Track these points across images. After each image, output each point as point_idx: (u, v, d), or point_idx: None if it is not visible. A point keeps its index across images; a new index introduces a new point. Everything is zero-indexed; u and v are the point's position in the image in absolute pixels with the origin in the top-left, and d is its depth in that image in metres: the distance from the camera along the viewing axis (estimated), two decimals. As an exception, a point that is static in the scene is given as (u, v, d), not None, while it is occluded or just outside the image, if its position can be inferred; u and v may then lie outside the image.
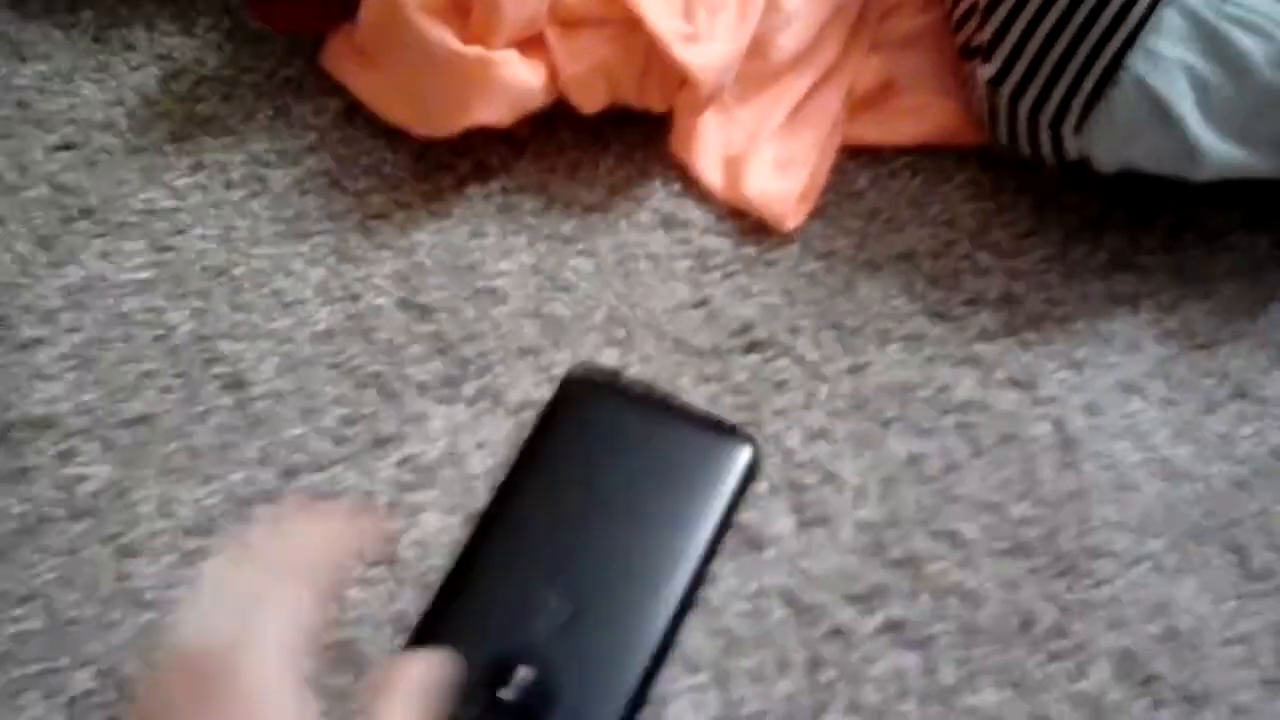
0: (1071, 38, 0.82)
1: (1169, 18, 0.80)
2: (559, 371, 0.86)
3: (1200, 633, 0.78)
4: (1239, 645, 0.78)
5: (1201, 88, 0.81)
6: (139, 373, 0.87)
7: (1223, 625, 0.78)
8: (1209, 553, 0.80)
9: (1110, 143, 0.84)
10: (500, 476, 0.71)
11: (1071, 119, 0.84)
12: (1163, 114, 0.81)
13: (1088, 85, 0.82)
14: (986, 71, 0.86)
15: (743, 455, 0.72)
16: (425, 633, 0.67)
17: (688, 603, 0.69)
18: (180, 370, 0.87)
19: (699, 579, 0.69)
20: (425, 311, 0.89)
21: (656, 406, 0.77)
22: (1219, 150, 0.82)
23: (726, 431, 0.74)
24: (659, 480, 0.71)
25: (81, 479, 0.83)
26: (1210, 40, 0.80)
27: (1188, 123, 0.81)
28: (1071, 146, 0.86)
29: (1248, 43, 0.80)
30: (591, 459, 0.72)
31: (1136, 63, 0.81)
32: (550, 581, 0.68)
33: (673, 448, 0.73)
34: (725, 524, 0.71)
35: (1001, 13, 0.84)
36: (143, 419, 0.86)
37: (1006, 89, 0.86)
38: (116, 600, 0.80)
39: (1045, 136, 0.86)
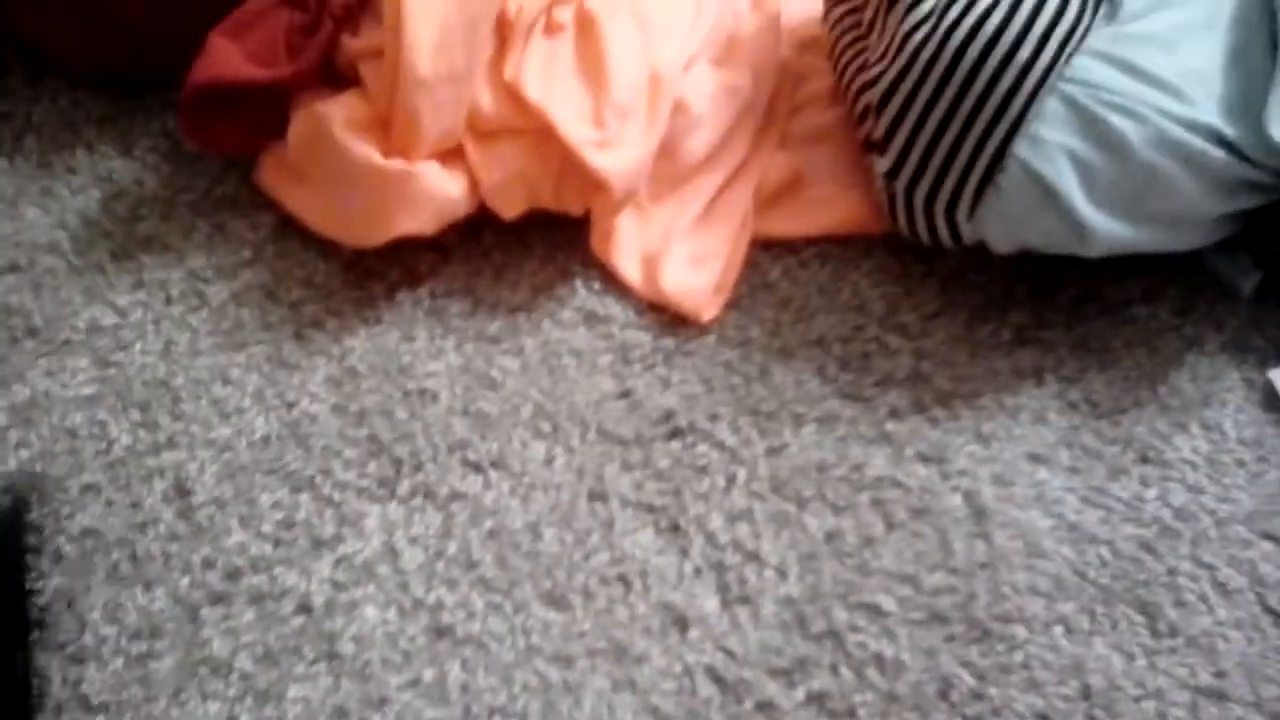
0: (959, 129, 0.86)
1: (1050, 105, 0.84)
2: (488, 464, 0.89)
3: (1113, 691, 0.80)
4: (1151, 701, 0.80)
5: (1085, 170, 0.85)
6: (82, 486, 0.90)
7: (1134, 683, 0.81)
8: (1119, 614, 0.83)
9: (1003, 226, 0.88)
10: None
11: (964, 206, 0.88)
12: (1050, 196, 0.85)
13: (977, 173, 0.86)
14: (883, 164, 0.90)
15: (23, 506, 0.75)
16: None
17: None
18: (123, 482, 0.90)
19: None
20: (359, 415, 0.92)
21: None
22: (1106, 228, 0.86)
23: None
24: None
25: (30, 592, 0.86)
26: (1090, 125, 0.84)
27: (1074, 203, 0.85)
28: (967, 231, 0.89)
29: (1125, 126, 0.84)
30: None
31: (1021, 149, 0.85)
32: None
33: None
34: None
35: (893, 109, 0.88)
36: (88, 532, 0.88)
37: (901, 181, 0.90)
38: (68, 707, 0.82)
39: (941, 223, 0.90)
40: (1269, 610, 0.83)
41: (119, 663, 0.83)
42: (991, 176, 0.86)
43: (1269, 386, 0.91)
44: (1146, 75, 0.85)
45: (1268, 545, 0.85)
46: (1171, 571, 0.84)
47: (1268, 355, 0.92)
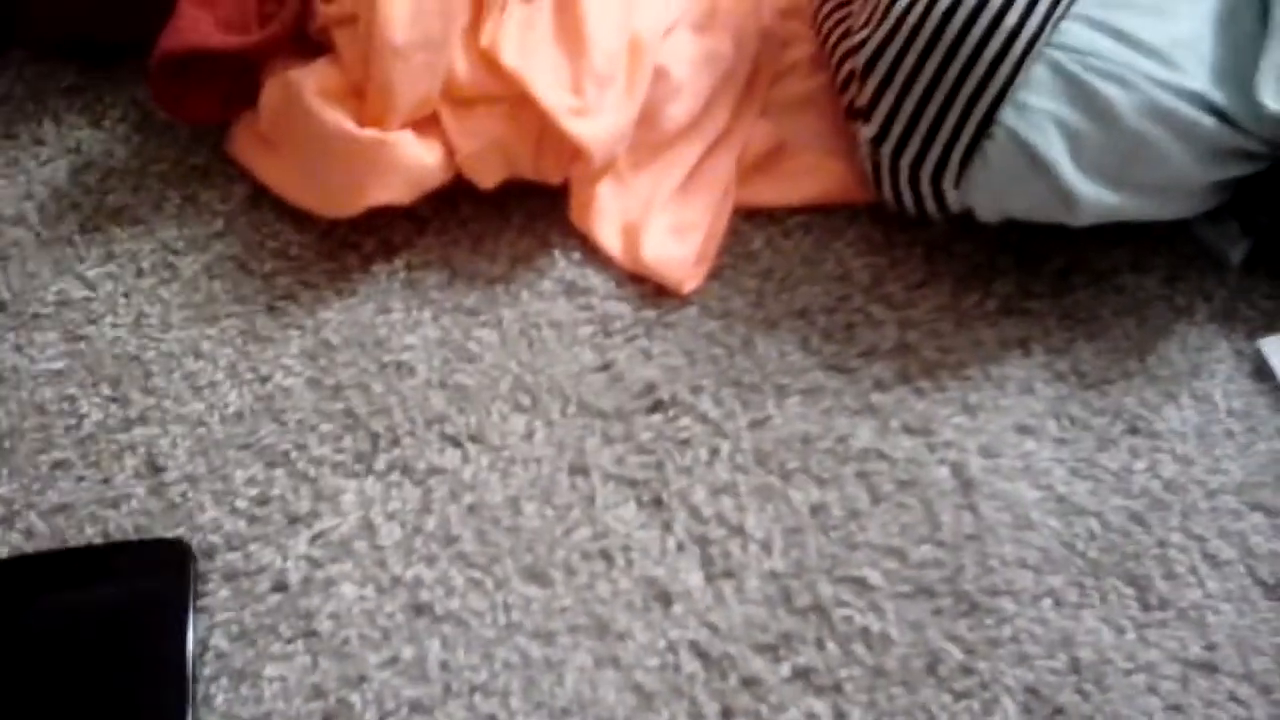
0: (945, 96, 0.85)
1: (1037, 72, 0.83)
2: (467, 438, 0.88)
3: (1102, 665, 0.79)
4: (1141, 674, 0.79)
5: (1072, 137, 0.84)
6: (53, 462, 0.88)
7: (1124, 657, 0.80)
8: (1108, 586, 0.82)
9: (989, 194, 0.87)
10: None
11: (950, 174, 0.87)
12: (1037, 164, 0.84)
13: (963, 140, 0.85)
14: (868, 132, 0.89)
15: (183, 560, 0.77)
16: None
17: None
18: (94, 459, 0.88)
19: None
20: (334, 389, 0.90)
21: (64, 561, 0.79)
22: (1093, 196, 0.85)
23: (154, 547, 0.79)
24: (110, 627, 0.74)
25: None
26: (1077, 92, 0.83)
27: (1061, 171, 0.84)
28: (953, 200, 0.88)
29: (1112, 92, 0.82)
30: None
31: (1008, 116, 0.84)
32: None
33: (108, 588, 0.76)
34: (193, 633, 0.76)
35: (878, 75, 0.87)
36: (60, 508, 0.87)
37: (887, 148, 0.88)
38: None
39: (927, 191, 0.89)
40: (1259, 582, 0.82)
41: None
42: (978, 144, 0.85)
43: (1259, 356, 0.90)
44: (1135, 41, 0.83)
45: (1258, 517, 0.84)
46: (1161, 544, 0.84)
47: (1257, 325, 0.91)
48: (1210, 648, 0.80)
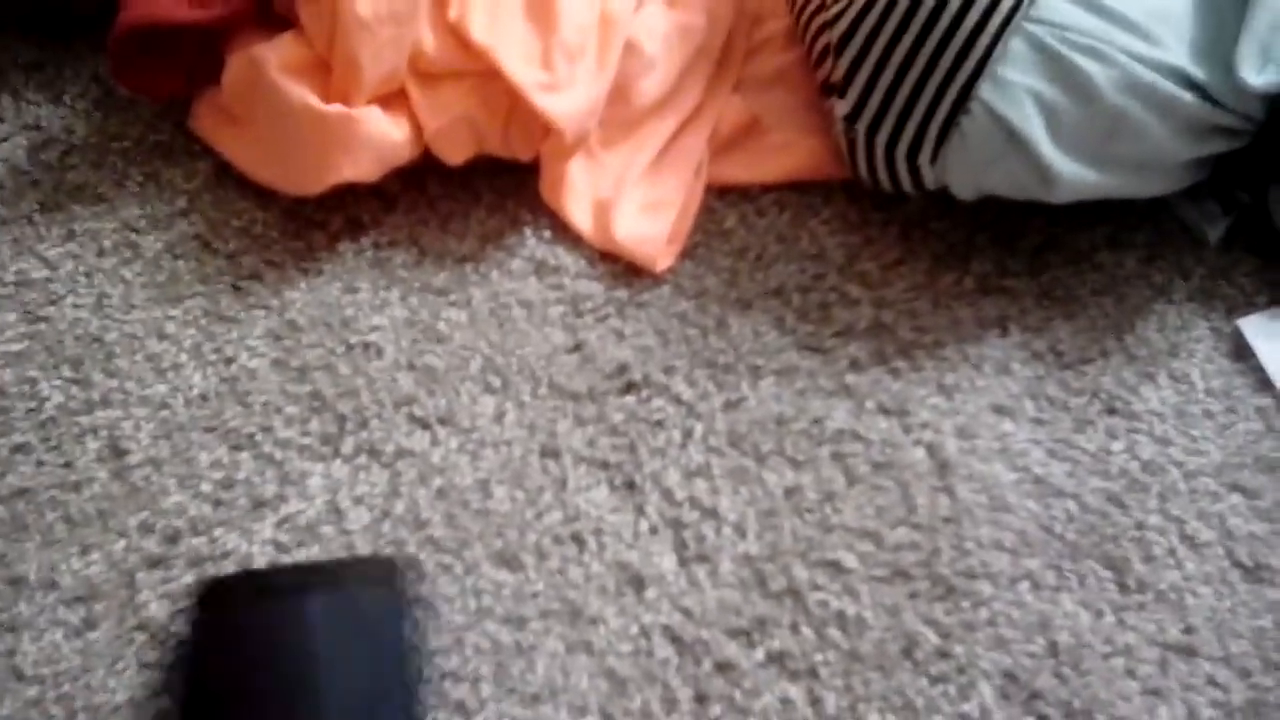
0: (921, 71, 0.83)
1: (1015, 46, 0.82)
2: (436, 421, 0.86)
3: (1080, 648, 0.79)
4: (1120, 658, 0.79)
5: (1050, 113, 0.82)
6: (13, 446, 0.86)
7: (1102, 640, 0.79)
8: (1086, 569, 0.81)
9: (966, 171, 0.86)
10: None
11: (927, 150, 0.85)
12: (1014, 140, 0.83)
13: (940, 116, 0.84)
14: (842, 108, 0.88)
15: (402, 579, 0.78)
16: None
17: None
18: (55, 442, 0.87)
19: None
20: (300, 370, 0.89)
21: (305, 576, 0.80)
22: (1071, 172, 0.84)
23: (379, 564, 0.79)
24: (347, 640, 0.75)
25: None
26: (1056, 67, 0.82)
27: (1039, 147, 0.83)
28: (929, 177, 0.87)
29: (1091, 68, 0.81)
30: (273, 658, 0.75)
31: (985, 91, 0.82)
32: None
33: (340, 606, 0.76)
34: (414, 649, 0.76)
35: (853, 50, 0.86)
36: (20, 493, 0.85)
37: (862, 124, 0.87)
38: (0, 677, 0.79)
39: (903, 168, 0.87)
40: (1238, 564, 0.81)
41: (57, 634, 0.80)
42: (955, 119, 0.84)
43: (1238, 335, 0.89)
44: (1114, 15, 0.82)
45: (1236, 498, 0.83)
46: (1139, 525, 0.83)
47: (1236, 303, 0.90)
48: (1189, 630, 0.79)
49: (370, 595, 0.77)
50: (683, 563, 0.82)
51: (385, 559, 0.81)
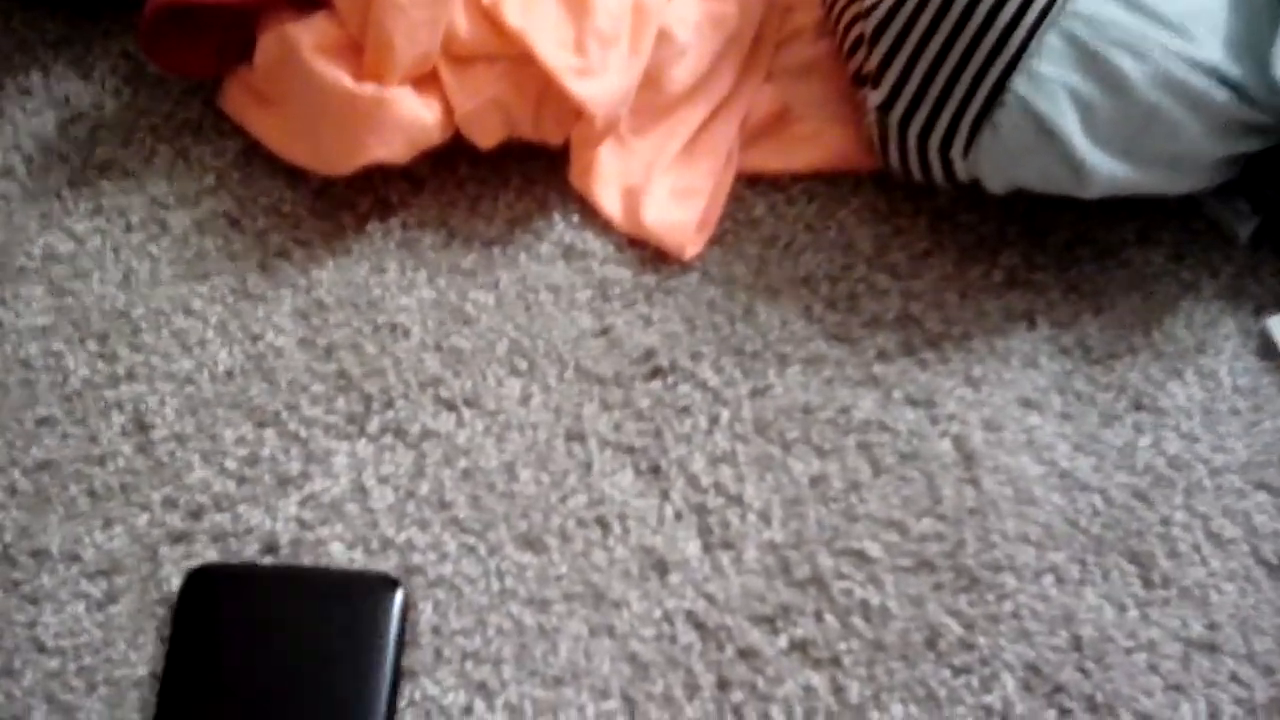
0: (956, 63, 0.83)
1: (1050, 41, 0.82)
2: (462, 402, 0.86)
3: (1104, 642, 0.79)
4: (1143, 653, 0.79)
5: (1084, 107, 0.82)
6: (38, 418, 0.86)
7: (1126, 634, 0.79)
8: (1110, 563, 0.81)
9: (998, 164, 0.86)
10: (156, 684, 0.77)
11: (959, 142, 0.85)
12: (1048, 134, 0.83)
13: (974, 108, 0.84)
14: (875, 98, 0.88)
15: (395, 599, 0.78)
16: None
17: None
18: (80, 415, 0.87)
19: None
20: (327, 349, 0.89)
21: (294, 579, 0.81)
22: (1105, 168, 0.83)
23: (373, 582, 0.79)
24: (321, 646, 0.77)
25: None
26: (1091, 62, 0.82)
27: (1073, 142, 0.82)
28: (961, 169, 0.87)
29: (1126, 63, 0.81)
30: (244, 645, 0.77)
31: (1020, 85, 0.82)
32: None
33: (323, 613, 0.78)
34: (396, 670, 0.77)
35: (887, 40, 0.86)
36: (44, 465, 0.85)
37: (895, 115, 0.87)
38: (22, 649, 0.79)
39: (935, 160, 0.87)
40: (1262, 561, 0.81)
41: (79, 606, 0.80)
42: (989, 112, 0.83)
43: (1265, 335, 0.89)
44: (1149, 11, 0.82)
45: (1262, 495, 0.83)
46: (1165, 521, 0.83)
47: (1264, 302, 0.90)
48: (1212, 627, 0.79)
49: (356, 609, 0.78)
50: (707, 548, 0.82)
51: (384, 577, 0.80)
